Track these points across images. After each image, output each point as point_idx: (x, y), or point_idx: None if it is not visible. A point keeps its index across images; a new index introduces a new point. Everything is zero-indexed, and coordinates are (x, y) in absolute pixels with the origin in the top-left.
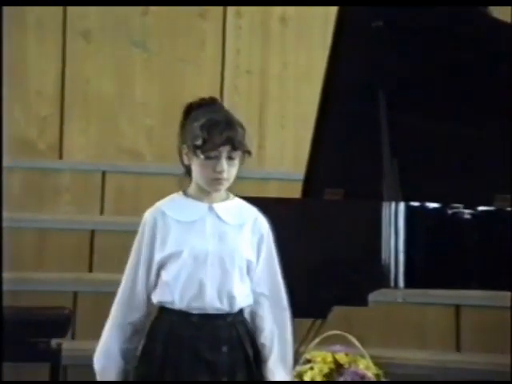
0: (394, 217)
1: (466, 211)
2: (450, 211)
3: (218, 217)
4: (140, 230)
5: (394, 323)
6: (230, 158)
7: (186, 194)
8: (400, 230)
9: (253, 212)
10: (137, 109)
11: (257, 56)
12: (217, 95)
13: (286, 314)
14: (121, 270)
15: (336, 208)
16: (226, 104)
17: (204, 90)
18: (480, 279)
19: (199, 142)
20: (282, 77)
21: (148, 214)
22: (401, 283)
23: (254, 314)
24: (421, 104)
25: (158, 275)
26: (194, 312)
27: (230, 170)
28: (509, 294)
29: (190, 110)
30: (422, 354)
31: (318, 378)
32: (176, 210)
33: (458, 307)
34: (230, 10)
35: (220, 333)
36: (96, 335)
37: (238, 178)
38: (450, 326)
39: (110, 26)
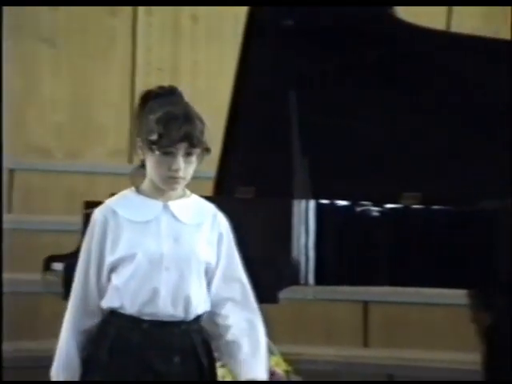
0: (304, 214)
1: (375, 209)
2: (358, 209)
3: (174, 216)
4: (89, 230)
5: (304, 320)
6: (187, 154)
7: (138, 190)
8: (310, 227)
9: (211, 209)
10: (45, 105)
11: (168, 53)
12: (127, 92)
13: (256, 316)
14: (29, 270)
15: (247, 206)
16: (138, 102)
17: (114, 87)
18: (388, 276)
19: (155, 137)
20: (194, 74)
21: (98, 213)
22: (311, 280)
23: (215, 316)
24: (331, 103)
25: (108, 279)
26: (146, 318)
27: (186, 169)
28: (415, 289)
29: (147, 100)
30: (330, 349)
31: (228, 376)
32: (128, 209)
33: (366, 303)
34: (141, 7)
35: (172, 341)
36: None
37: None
38: (358, 322)
39: (17, 21)
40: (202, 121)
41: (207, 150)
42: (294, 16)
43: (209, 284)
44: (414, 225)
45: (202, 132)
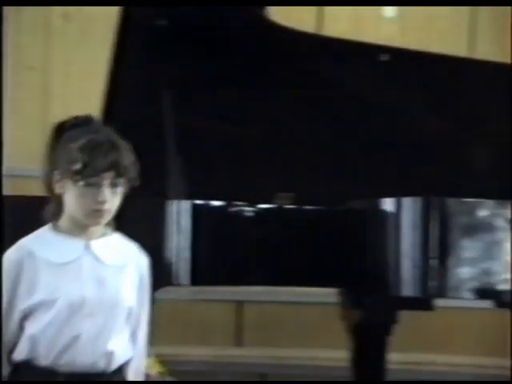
0: (179, 215)
1: (249, 209)
2: (232, 209)
3: (96, 257)
4: None
5: (179, 320)
6: (113, 185)
7: (56, 228)
8: (184, 227)
9: (134, 250)
10: None
11: (39, 52)
12: None
13: (144, 361)
14: None
15: (121, 206)
16: (9, 101)
17: None
18: (262, 275)
19: (78, 167)
20: (66, 73)
21: (11, 254)
22: (186, 281)
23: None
24: (205, 104)
25: (20, 327)
26: (61, 370)
27: (112, 200)
28: (289, 288)
29: (61, 131)
30: (205, 350)
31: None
32: (46, 249)
33: (240, 303)
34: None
35: None
36: None
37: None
38: (232, 322)
39: None
40: (128, 149)
41: (134, 181)
42: (167, 16)
43: (130, 328)
44: (287, 225)
45: (129, 161)
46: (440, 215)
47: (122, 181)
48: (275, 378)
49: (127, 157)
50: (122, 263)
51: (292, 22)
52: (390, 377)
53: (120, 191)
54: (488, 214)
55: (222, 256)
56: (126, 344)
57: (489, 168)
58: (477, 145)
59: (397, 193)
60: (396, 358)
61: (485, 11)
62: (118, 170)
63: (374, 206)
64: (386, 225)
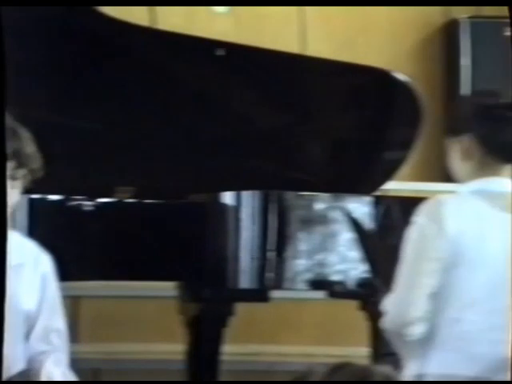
0: (14, 210)
1: (87, 203)
2: (71, 203)
3: None
4: None
5: None
6: (12, 177)
7: None
8: (19, 223)
9: (32, 248)
10: None
11: None
12: None
13: (66, 363)
14: None
15: None
16: None
17: None
18: (101, 270)
19: None
20: None
21: None
22: None
23: (29, 372)
24: (43, 96)
25: None
26: None
27: (11, 194)
28: (127, 283)
29: None
30: None
31: None
32: None
33: (76, 298)
34: None
35: None
36: None
37: None
38: (68, 317)
39: None
40: (29, 137)
41: (35, 173)
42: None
43: (27, 336)
44: (126, 218)
45: (31, 150)
46: (278, 209)
47: (22, 172)
48: (109, 374)
49: (29, 146)
50: (19, 262)
51: (124, 16)
52: (223, 368)
53: (19, 185)
54: (324, 207)
55: (59, 251)
56: (19, 355)
57: (324, 162)
58: (313, 140)
59: (236, 187)
60: (230, 350)
61: (313, 10)
62: (18, 159)
63: (214, 200)
64: (225, 218)
